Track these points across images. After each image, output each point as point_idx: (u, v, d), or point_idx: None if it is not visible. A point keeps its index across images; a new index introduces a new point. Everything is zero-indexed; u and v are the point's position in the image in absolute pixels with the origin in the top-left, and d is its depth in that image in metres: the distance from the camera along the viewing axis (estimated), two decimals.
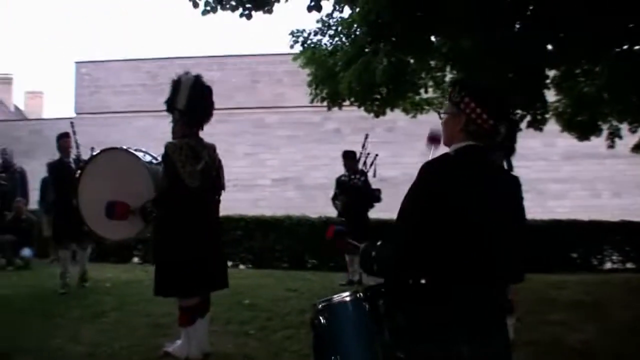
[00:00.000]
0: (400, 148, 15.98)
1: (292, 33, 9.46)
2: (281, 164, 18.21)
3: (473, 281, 2.25)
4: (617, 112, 9.42)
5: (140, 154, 5.13)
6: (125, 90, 18.05)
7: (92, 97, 18.57)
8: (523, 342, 4.88)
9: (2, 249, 9.82)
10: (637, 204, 15.34)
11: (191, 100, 4.92)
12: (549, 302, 7.28)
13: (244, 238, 11.57)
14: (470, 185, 2.29)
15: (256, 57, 18.82)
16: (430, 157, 2.84)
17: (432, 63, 9.14)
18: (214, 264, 4.91)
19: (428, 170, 2.34)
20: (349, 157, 8.90)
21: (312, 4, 6.83)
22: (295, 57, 9.87)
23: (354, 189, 8.61)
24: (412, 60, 8.61)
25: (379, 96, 8.85)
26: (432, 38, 8.49)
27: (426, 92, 9.69)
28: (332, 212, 9.49)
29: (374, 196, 8.67)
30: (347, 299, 2.52)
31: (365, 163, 8.79)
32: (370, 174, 8.75)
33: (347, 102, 9.55)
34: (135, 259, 11.51)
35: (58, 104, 74.48)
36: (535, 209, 13.82)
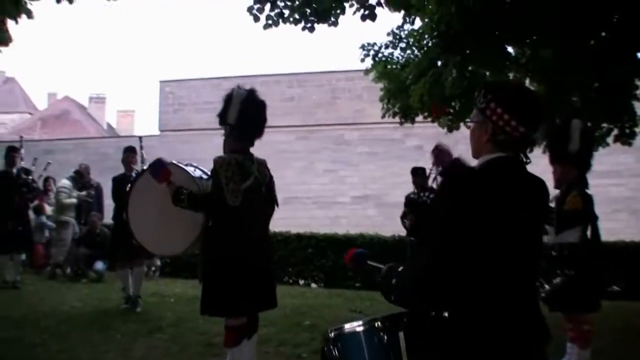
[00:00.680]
0: None
1: (362, 47, 9.24)
2: (361, 181, 17.98)
3: (502, 314, 1.93)
4: None
5: (190, 169, 5.03)
6: (207, 107, 18.37)
7: (175, 114, 19.11)
8: None
9: (76, 262, 10.10)
10: None
11: (242, 114, 4.77)
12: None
13: (315, 256, 11.39)
14: (498, 203, 1.97)
15: (335, 74, 18.75)
16: (432, 176, 2.53)
17: (510, 75, 8.65)
18: (262, 283, 4.72)
19: (450, 187, 2.04)
20: (418, 174, 8.53)
21: (366, 12, 6.61)
22: (367, 71, 9.67)
23: (423, 207, 8.23)
24: (487, 73, 8.19)
25: (451, 110, 8.46)
26: (509, 49, 8.07)
27: None
28: None
29: None
30: (359, 328, 2.21)
31: (435, 179, 8.40)
32: None
33: (420, 117, 9.23)
34: None
35: (148, 122, 78.17)
36: (630, 230, 12.84)
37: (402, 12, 8.34)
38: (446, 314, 1.98)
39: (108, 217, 10.65)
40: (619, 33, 6.99)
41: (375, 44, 9.22)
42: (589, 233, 4.58)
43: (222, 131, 4.86)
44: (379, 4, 6.93)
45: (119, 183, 7.39)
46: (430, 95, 7.54)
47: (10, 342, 5.68)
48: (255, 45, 73.28)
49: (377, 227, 12.46)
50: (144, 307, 7.41)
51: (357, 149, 18.26)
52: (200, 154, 15.59)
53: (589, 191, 4.63)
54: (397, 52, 9.14)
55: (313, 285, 11.49)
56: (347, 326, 2.22)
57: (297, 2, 6.91)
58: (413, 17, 8.38)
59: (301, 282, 11.56)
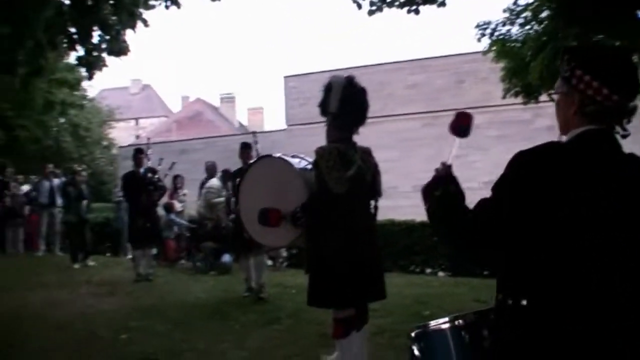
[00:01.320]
0: None
1: (477, 26, 8.85)
2: (490, 165, 17.31)
3: (583, 312, 1.71)
4: None
5: (295, 160, 5.06)
6: None
7: (301, 108, 19.41)
8: None
9: (204, 255, 10.56)
10: None
11: (343, 102, 4.72)
12: None
13: (439, 245, 11.08)
14: (586, 184, 1.73)
15: (459, 57, 18.17)
16: (452, 153, 2.28)
17: None
18: (367, 274, 4.64)
19: (521, 163, 1.84)
20: None
21: None
22: (486, 51, 9.25)
23: None
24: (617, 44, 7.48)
25: None
26: None
27: None
28: None
29: None
30: (444, 326, 2.06)
31: None
32: None
33: (544, 96, 8.68)
34: None
35: (277, 117, 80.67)
36: None
37: None
38: (524, 302, 1.80)
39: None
40: None
41: (490, 22, 8.80)
42: None
43: None
44: None
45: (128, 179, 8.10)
46: (549, 71, 7.03)
47: (139, 330, 6.06)
48: (368, 34, 73.21)
49: None
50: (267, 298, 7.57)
51: (485, 133, 17.60)
52: None
53: None
54: (514, 29, 8.65)
55: (440, 274, 11.21)
56: (433, 323, 2.10)
57: None
58: None
59: (427, 270, 11.33)
